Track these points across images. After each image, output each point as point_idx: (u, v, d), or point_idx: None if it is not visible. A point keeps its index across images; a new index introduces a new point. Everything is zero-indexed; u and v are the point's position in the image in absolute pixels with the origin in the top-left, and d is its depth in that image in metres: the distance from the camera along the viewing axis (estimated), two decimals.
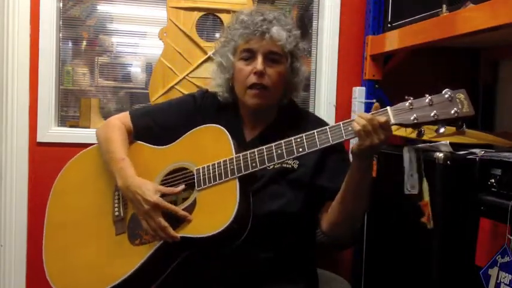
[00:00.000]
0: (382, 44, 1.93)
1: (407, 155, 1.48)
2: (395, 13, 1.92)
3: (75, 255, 1.37)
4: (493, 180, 1.24)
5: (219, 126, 1.30)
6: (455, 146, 1.37)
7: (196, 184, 1.26)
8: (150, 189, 1.25)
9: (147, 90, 2.12)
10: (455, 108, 1.07)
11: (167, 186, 1.30)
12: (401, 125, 1.11)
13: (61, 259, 1.39)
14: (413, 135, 1.39)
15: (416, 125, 1.10)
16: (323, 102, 2.19)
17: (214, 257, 1.29)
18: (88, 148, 1.48)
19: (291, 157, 1.19)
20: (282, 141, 1.20)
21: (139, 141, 1.42)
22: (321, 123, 1.43)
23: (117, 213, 1.35)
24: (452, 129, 1.51)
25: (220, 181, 1.23)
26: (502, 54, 1.97)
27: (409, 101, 1.11)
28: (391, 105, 1.13)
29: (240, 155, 1.23)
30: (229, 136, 1.27)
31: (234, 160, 1.23)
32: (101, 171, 1.41)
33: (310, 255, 1.45)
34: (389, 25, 1.93)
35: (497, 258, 1.17)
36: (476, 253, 1.25)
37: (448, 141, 1.37)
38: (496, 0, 1.25)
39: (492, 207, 1.22)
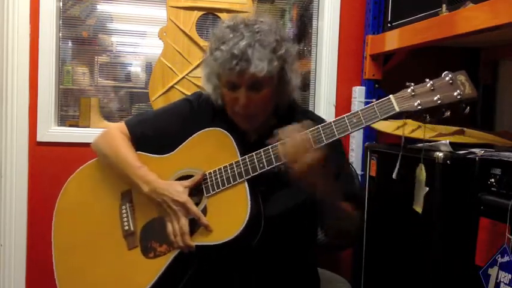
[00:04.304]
0: (382, 44, 1.93)
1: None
2: (395, 13, 1.92)
3: (89, 276, 1.35)
4: (492, 180, 1.24)
5: (221, 129, 1.28)
6: (455, 145, 1.37)
7: (204, 191, 1.26)
8: (178, 190, 1.24)
9: (147, 89, 2.12)
10: (458, 91, 1.06)
11: None
12: (406, 112, 1.10)
13: (76, 282, 1.37)
14: (415, 134, 1.39)
15: (420, 112, 1.09)
16: (323, 101, 2.19)
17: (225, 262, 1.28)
18: (83, 166, 1.46)
19: None
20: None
21: (140, 152, 1.39)
22: (321, 121, 1.43)
23: (126, 228, 1.34)
24: (452, 128, 1.51)
25: (228, 185, 1.22)
26: (502, 54, 1.97)
27: (411, 87, 1.10)
28: None
29: (246, 157, 1.22)
30: (232, 138, 1.26)
31: (241, 163, 1.22)
32: (101, 188, 1.40)
33: (312, 255, 1.45)
34: (389, 25, 1.93)
35: (496, 257, 1.16)
36: (476, 253, 1.25)
37: (448, 141, 1.37)
38: (496, 0, 1.25)
39: (492, 207, 1.21)
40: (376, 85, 2.04)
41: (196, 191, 1.27)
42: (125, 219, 1.35)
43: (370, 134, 2.05)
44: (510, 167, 1.20)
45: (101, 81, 2.16)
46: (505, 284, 1.13)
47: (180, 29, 2.08)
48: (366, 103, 2.02)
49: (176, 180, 1.31)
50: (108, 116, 2.16)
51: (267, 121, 1.36)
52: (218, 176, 1.24)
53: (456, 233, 1.32)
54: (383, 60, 2.05)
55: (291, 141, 1.11)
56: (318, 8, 2.24)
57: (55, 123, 2.06)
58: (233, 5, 2.08)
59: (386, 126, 1.68)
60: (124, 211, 1.36)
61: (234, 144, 1.26)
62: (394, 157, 1.60)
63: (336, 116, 2.15)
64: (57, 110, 2.08)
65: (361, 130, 2.05)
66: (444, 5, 1.52)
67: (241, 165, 1.22)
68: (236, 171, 1.22)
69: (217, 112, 1.38)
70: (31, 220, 2.03)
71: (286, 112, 1.39)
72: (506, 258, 1.14)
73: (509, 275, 1.13)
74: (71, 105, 2.13)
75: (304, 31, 2.29)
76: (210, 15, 2.11)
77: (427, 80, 1.10)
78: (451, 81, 1.07)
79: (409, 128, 1.52)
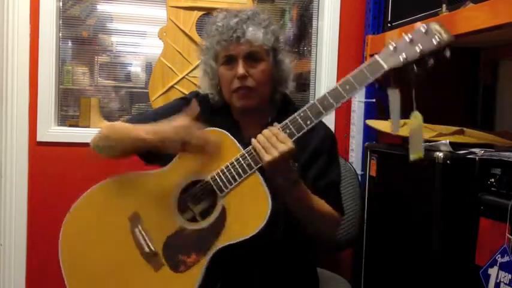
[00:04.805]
0: (382, 44, 1.92)
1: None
2: (395, 13, 1.91)
3: None
4: (492, 180, 1.24)
5: (218, 128, 1.27)
6: (455, 145, 1.37)
7: (218, 191, 1.23)
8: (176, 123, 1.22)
9: (147, 89, 2.12)
10: (436, 37, 1.12)
11: (187, 204, 1.27)
12: (395, 69, 1.14)
13: None
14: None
15: (406, 66, 1.13)
16: None
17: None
18: (84, 194, 1.37)
19: (302, 132, 1.18)
20: (287, 120, 1.19)
21: (139, 172, 1.35)
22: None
23: (147, 250, 1.27)
24: (452, 128, 1.50)
25: (240, 179, 1.21)
26: (502, 54, 1.97)
27: (391, 43, 1.15)
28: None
29: (250, 147, 1.21)
30: (231, 136, 1.25)
31: (247, 155, 1.21)
32: (107, 216, 1.33)
33: (312, 255, 1.45)
34: (389, 25, 1.93)
35: (497, 257, 1.16)
36: (476, 253, 1.25)
37: (448, 141, 1.37)
38: (496, 0, 1.25)
39: (492, 207, 1.21)
40: (376, 85, 2.04)
41: (209, 194, 1.25)
42: (142, 242, 1.28)
43: (370, 134, 2.05)
44: (510, 167, 1.20)
45: (101, 81, 2.16)
46: (505, 284, 1.13)
47: (180, 29, 2.08)
48: (366, 103, 2.03)
49: (183, 191, 1.28)
50: (108, 116, 2.16)
51: (264, 113, 1.37)
52: (227, 173, 1.22)
53: (456, 233, 1.32)
54: None
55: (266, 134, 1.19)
56: (318, 8, 2.24)
57: (55, 123, 2.06)
58: (232, 4, 2.08)
59: (386, 126, 1.68)
60: (138, 233, 1.29)
61: (233, 139, 1.25)
62: (394, 157, 1.60)
63: (335, 117, 2.17)
64: (57, 110, 2.08)
65: (361, 130, 2.06)
66: (444, 5, 1.52)
67: (248, 157, 1.21)
68: (245, 164, 1.21)
69: (216, 110, 1.40)
70: (31, 220, 2.03)
71: (282, 109, 1.39)
72: (506, 258, 1.14)
73: (509, 275, 1.13)
74: (71, 105, 2.13)
75: (304, 31, 2.29)
76: (210, 15, 2.11)
77: (403, 34, 1.15)
78: (425, 31, 1.13)
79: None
